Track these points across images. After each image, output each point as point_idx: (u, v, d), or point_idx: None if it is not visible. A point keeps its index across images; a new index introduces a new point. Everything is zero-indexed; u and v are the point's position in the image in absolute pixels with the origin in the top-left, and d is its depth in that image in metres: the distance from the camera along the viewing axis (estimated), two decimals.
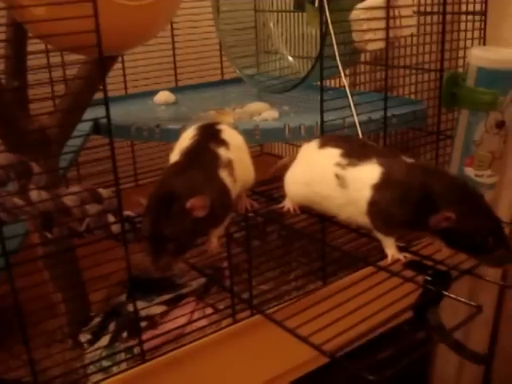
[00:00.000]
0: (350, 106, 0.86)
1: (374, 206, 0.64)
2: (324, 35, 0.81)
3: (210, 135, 0.71)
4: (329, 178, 0.68)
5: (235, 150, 0.71)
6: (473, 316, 0.59)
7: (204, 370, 0.81)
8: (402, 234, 0.68)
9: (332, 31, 0.81)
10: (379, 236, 0.66)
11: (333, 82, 1.21)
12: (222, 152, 0.69)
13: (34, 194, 0.77)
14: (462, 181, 0.65)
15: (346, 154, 0.68)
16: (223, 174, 0.67)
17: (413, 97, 1.09)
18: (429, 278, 0.64)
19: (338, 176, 0.67)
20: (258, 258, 1.03)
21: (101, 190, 0.82)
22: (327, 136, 0.81)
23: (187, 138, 0.72)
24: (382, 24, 0.87)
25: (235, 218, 0.82)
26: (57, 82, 0.89)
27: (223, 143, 0.70)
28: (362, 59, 1.12)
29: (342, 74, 0.83)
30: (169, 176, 0.64)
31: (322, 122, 0.85)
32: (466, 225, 0.60)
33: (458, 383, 1.18)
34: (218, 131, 0.72)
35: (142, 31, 0.83)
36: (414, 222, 0.63)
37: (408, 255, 0.67)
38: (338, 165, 0.68)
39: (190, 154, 0.68)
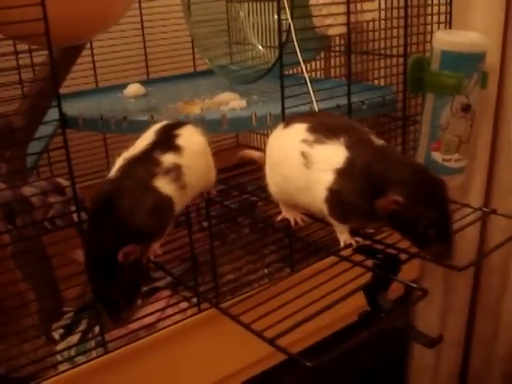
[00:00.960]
0: (315, 92, 0.86)
1: (333, 195, 0.61)
2: (282, 21, 0.81)
3: (160, 141, 0.69)
4: (294, 158, 0.63)
5: (190, 155, 0.69)
6: (418, 299, 0.58)
7: (169, 358, 0.81)
8: (360, 224, 0.66)
9: (290, 17, 0.80)
10: (333, 222, 0.64)
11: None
12: (167, 158, 0.66)
13: None
14: (422, 168, 0.62)
15: (312, 129, 0.63)
16: (160, 183, 0.65)
17: (383, 82, 1.08)
18: (377, 262, 0.63)
19: (303, 154, 0.63)
20: (228, 247, 1.03)
21: (60, 180, 0.82)
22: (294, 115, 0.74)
23: (144, 140, 0.69)
24: (343, 9, 0.86)
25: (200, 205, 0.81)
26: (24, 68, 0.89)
27: (173, 149, 0.68)
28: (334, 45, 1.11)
29: (301, 60, 0.82)
30: (95, 213, 0.63)
31: (283, 108, 0.84)
32: (411, 211, 0.57)
33: (436, 371, 1.18)
34: (174, 136, 0.70)
35: (98, 19, 0.82)
36: (373, 212, 0.60)
37: (360, 240, 0.66)
38: (305, 141, 0.63)
39: (126, 167, 0.66)
